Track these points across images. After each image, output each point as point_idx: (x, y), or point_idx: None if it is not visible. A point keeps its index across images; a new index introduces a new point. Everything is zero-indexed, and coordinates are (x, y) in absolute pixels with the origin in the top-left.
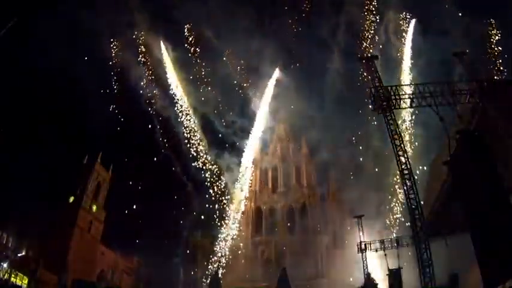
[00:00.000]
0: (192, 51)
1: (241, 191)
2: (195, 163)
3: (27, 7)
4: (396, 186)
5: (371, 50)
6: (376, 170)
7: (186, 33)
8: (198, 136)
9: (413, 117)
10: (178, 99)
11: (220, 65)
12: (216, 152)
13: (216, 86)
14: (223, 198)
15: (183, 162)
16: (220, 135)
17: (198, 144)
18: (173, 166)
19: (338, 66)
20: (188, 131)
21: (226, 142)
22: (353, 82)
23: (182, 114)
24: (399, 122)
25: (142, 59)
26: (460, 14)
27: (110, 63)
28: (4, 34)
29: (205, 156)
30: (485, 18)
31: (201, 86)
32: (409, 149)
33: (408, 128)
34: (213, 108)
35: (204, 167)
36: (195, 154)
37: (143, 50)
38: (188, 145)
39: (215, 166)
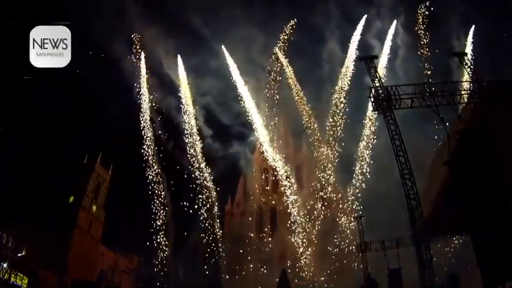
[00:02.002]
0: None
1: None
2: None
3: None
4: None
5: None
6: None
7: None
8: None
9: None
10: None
11: (216, 56)
12: (222, 145)
13: (215, 78)
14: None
15: (185, 161)
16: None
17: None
18: (177, 164)
19: (338, 57)
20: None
21: (232, 134)
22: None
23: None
24: None
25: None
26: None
27: (107, 61)
28: (4, 34)
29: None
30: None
31: (201, 77)
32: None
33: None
34: (215, 100)
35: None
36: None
37: (137, 42)
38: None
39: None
